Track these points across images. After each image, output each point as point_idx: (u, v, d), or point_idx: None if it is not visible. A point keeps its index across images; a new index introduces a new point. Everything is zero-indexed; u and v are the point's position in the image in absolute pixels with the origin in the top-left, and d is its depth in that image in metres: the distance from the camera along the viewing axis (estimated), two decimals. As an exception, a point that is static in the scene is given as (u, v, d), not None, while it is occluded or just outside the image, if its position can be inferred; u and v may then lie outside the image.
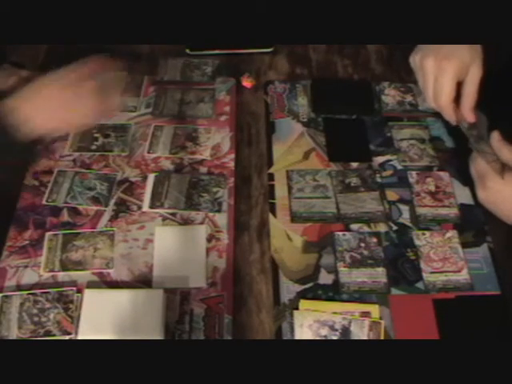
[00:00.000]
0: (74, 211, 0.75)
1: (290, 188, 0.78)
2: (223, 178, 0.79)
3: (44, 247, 0.71)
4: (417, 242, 0.73)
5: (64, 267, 0.69)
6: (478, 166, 0.72)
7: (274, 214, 0.75)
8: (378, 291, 0.68)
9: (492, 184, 0.69)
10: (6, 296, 0.66)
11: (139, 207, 0.75)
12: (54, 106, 0.66)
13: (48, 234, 0.72)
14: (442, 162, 0.82)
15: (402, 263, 0.71)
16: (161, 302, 0.64)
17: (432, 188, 0.78)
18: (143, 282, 0.69)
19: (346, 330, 0.64)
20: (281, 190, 0.78)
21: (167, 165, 0.81)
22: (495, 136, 0.71)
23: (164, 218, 0.74)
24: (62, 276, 0.69)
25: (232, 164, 0.81)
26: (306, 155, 0.82)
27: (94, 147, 0.82)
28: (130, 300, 0.64)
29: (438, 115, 0.87)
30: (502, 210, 0.70)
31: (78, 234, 0.72)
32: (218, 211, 0.75)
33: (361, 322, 0.65)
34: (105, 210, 0.75)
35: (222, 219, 0.74)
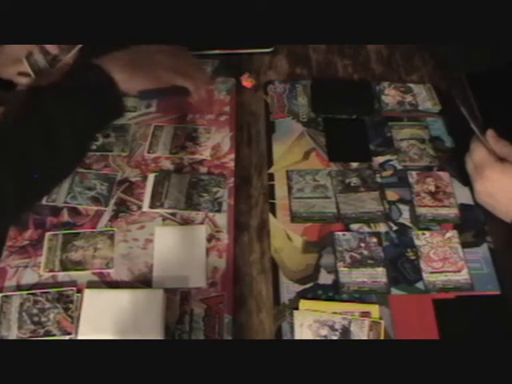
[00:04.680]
0: (74, 211, 0.75)
1: (289, 188, 0.78)
2: (223, 178, 0.79)
3: (44, 247, 0.71)
4: (417, 242, 0.73)
5: (64, 267, 0.69)
6: (477, 155, 0.72)
7: (274, 214, 0.75)
8: (378, 291, 0.68)
9: (491, 173, 0.70)
10: (6, 296, 0.66)
11: (139, 207, 0.75)
12: (138, 64, 0.70)
13: (48, 234, 0.72)
14: (442, 162, 0.82)
15: (401, 263, 0.71)
16: (161, 302, 0.64)
17: (432, 188, 0.78)
18: (143, 282, 0.69)
19: (345, 330, 0.64)
20: (281, 190, 0.78)
21: (167, 165, 0.81)
22: (490, 133, 0.73)
23: (164, 218, 0.74)
24: (62, 276, 0.69)
25: (232, 164, 0.81)
26: (306, 155, 0.82)
27: (94, 147, 0.82)
28: (130, 300, 0.64)
29: (437, 115, 0.88)
30: (500, 201, 0.70)
31: (78, 233, 0.72)
32: (218, 211, 0.75)
33: (361, 322, 0.65)
34: (105, 210, 0.75)
35: (222, 219, 0.74)
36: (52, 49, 0.81)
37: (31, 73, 0.80)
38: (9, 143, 0.59)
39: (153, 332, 0.62)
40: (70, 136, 0.62)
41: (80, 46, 0.83)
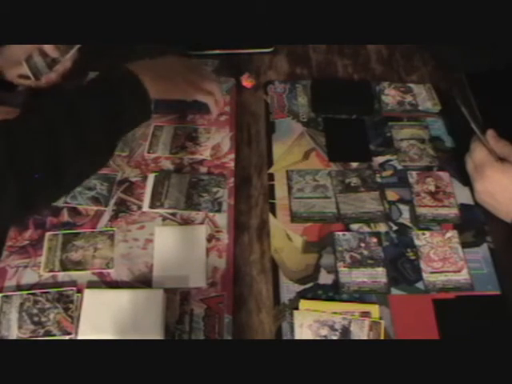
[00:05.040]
0: (74, 211, 0.75)
1: (289, 188, 0.78)
2: (223, 178, 0.79)
3: (44, 247, 0.71)
4: (417, 242, 0.73)
5: (64, 267, 0.69)
6: (477, 155, 0.72)
7: (274, 214, 0.75)
8: (378, 291, 0.68)
9: (491, 173, 0.70)
10: (6, 296, 0.66)
11: (139, 207, 0.75)
12: (170, 73, 0.73)
13: (48, 234, 0.72)
14: (442, 162, 0.81)
15: (401, 263, 0.71)
16: (161, 302, 0.64)
17: (432, 188, 0.78)
18: (143, 282, 0.69)
19: (345, 330, 0.64)
20: (281, 190, 0.78)
21: (167, 165, 0.81)
22: (490, 133, 0.73)
23: (164, 218, 0.74)
24: (62, 276, 0.69)
25: (232, 164, 0.81)
26: (306, 155, 0.82)
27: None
28: (130, 300, 0.64)
29: (437, 115, 0.88)
30: (500, 201, 0.70)
31: (78, 233, 0.72)
32: (218, 211, 0.75)
33: (361, 322, 0.65)
34: (105, 210, 0.75)
35: (222, 219, 0.74)
36: (51, 51, 0.81)
37: (31, 75, 0.81)
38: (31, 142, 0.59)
39: (153, 332, 0.62)
40: (99, 136, 0.63)
41: (78, 46, 0.83)
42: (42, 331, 0.64)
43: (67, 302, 0.66)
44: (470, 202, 0.77)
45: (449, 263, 0.71)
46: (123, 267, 0.70)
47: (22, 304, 0.66)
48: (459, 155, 0.79)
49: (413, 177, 0.79)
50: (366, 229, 0.74)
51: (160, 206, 0.75)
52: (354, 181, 0.79)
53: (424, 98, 0.90)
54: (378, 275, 0.69)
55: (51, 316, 0.65)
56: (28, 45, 0.80)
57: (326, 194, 0.77)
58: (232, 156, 0.82)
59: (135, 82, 0.66)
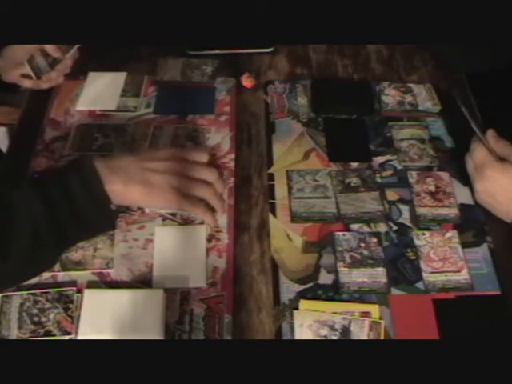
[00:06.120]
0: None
1: (289, 188, 0.78)
2: (223, 178, 0.79)
3: (44, 247, 0.71)
4: (417, 242, 0.73)
5: (64, 267, 0.69)
6: (477, 155, 0.72)
7: (274, 214, 0.75)
8: (378, 291, 0.68)
9: (491, 173, 0.70)
10: (6, 296, 0.66)
11: (139, 207, 0.75)
12: (136, 178, 0.68)
13: (48, 234, 0.72)
14: (442, 162, 0.81)
15: (401, 263, 0.71)
16: (161, 302, 0.64)
17: (432, 188, 0.78)
18: (143, 282, 0.68)
19: (345, 330, 0.64)
20: (281, 190, 0.78)
21: (167, 165, 0.80)
22: (490, 133, 0.73)
23: (164, 218, 0.74)
24: (62, 276, 0.69)
25: (232, 164, 0.81)
26: (306, 155, 0.82)
27: (94, 147, 0.82)
28: (130, 300, 0.64)
29: (437, 115, 0.88)
30: (500, 201, 0.70)
31: (78, 233, 0.72)
32: (218, 211, 0.75)
33: (361, 322, 0.65)
34: (105, 210, 0.75)
35: (222, 219, 0.74)
36: (53, 51, 0.81)
37: (33, 75, 0.81)
38: None
39: (153, 332, 0.63)
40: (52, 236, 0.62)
41: (78, 45, 0.83)
42: (41, 331, 0.64)
43: (67, 301, 0.66)
44: (470, 201, 0.77)
45: (449, 263, 0.71)
46: (123, 267, 0.70)
47: (22, 304, 0.66)
48: (459, 155, 0.79)
49: (413, 177, 0.79)
50: (366, 229, 0.74)
51: (160, 206, 0.75)
52: (354, 181, 0.79)
53: (424, 97, 0.90)
54: (378, 275, 0.69)
55: (51, 316, 0.65)
56: (29, 45, 0.80)
57: (326, 194, 0.77)
58: (232, 156, 0.82)
59: (97, 187, 0.64)
